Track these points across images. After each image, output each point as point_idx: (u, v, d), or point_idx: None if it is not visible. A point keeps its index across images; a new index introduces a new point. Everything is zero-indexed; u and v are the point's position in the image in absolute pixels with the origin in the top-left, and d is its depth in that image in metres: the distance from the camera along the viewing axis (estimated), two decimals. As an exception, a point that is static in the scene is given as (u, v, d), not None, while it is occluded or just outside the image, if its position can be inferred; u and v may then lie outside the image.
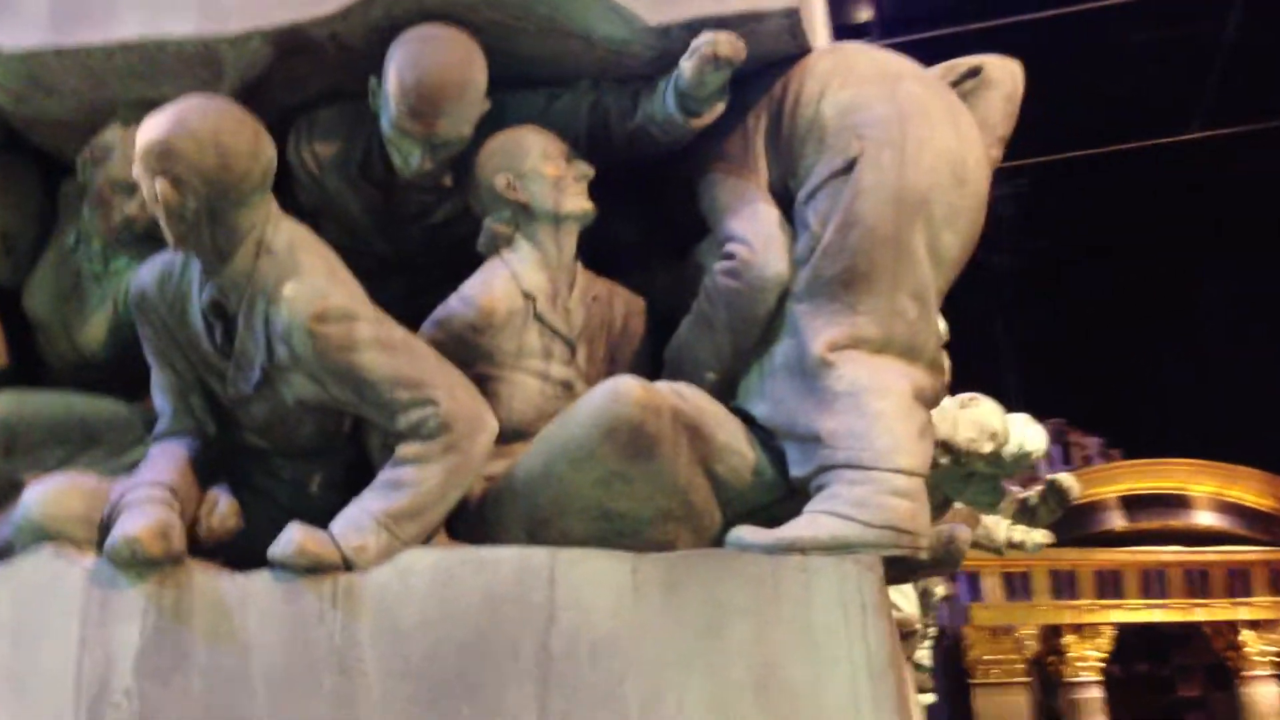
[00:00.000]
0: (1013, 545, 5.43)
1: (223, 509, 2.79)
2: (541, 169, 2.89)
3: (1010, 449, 5.44)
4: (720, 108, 2.85)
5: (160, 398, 2.92)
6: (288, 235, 2.75)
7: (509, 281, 2.86)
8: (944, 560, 2.79)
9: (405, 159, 2.91)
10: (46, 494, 2.75)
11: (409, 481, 2.64)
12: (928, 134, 2.72)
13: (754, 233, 2.78)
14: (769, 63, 2.91)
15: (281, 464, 2.93)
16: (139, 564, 2.59)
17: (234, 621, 2.57)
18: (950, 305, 2.90)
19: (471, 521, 2.76)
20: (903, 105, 2.75)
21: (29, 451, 3.02)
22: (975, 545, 5.29)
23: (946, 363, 2.87)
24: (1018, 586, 13.68)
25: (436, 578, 2.54)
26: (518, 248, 2.91)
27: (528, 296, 2.86)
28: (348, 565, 2.57)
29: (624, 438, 2.56)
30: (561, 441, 2.63)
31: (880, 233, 2.67)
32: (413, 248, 3.19)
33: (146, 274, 2.86)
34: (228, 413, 2.89)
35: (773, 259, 2.74)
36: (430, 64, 2.81)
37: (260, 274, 2.70)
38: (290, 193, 3.03)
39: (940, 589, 6.60)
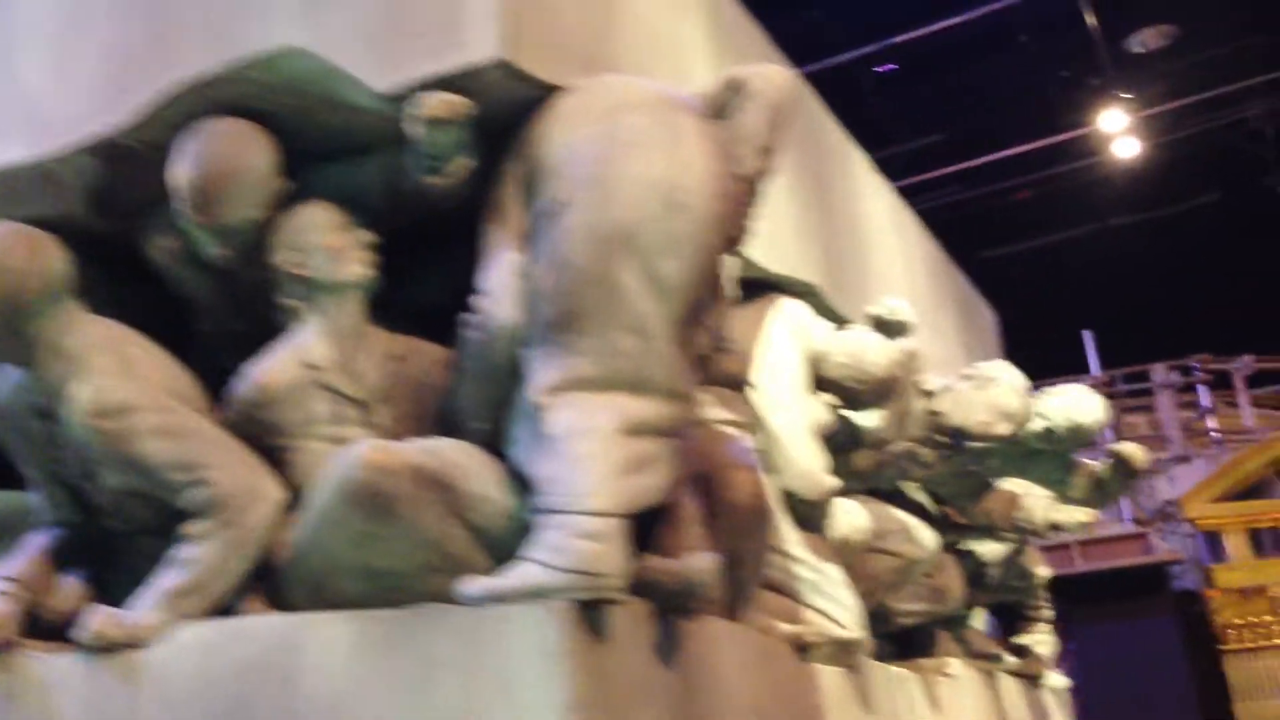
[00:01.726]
0: (1054, 527, 5.12)
1: (66, 592, 3.05)
2: (320, 242, 3.02)
3: (1061, 423, 5.16)
4: (465, 162, 2.89)
5: (34, 492, 3.22)
6: (84, 337, 2.99)
7: (291, 355, 3.00)
8: (680, 595, 2.69)
9: (203, 248, 3.10)
10: None
11: (189, 559, 2.83)
12: (632, 167, 2.68)
13: (492, 282, 2.82)
14: (524, 106, 2.93)
15: (144, 542, 3.16)
16: (-25, 656, 2.88)
17: (52, 701, 2.82)
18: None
19: (276, 586, 2.92)
20: (613, 140, 2.72)
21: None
22: (1017, 529, 5.06)
23: (687, 384, 2.77)
24: (1267, 542, 12.70)
25: (201, 650, 2.71)
26: (306, 320, 3.05)
27: (312, 367, 2.98)
28: (137, 643, 2.77)
29: (362, 500, 2.65)
30: (317, 507, 2.75)
31: (587, 272, 2.65)
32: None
33: (0, 384, 3.16)
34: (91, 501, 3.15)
35: (505, 308, 2.77)
36: (203, 158, 2.99)
37: (56, 377, 2.95)
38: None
39: (1040, 569, 6.26)
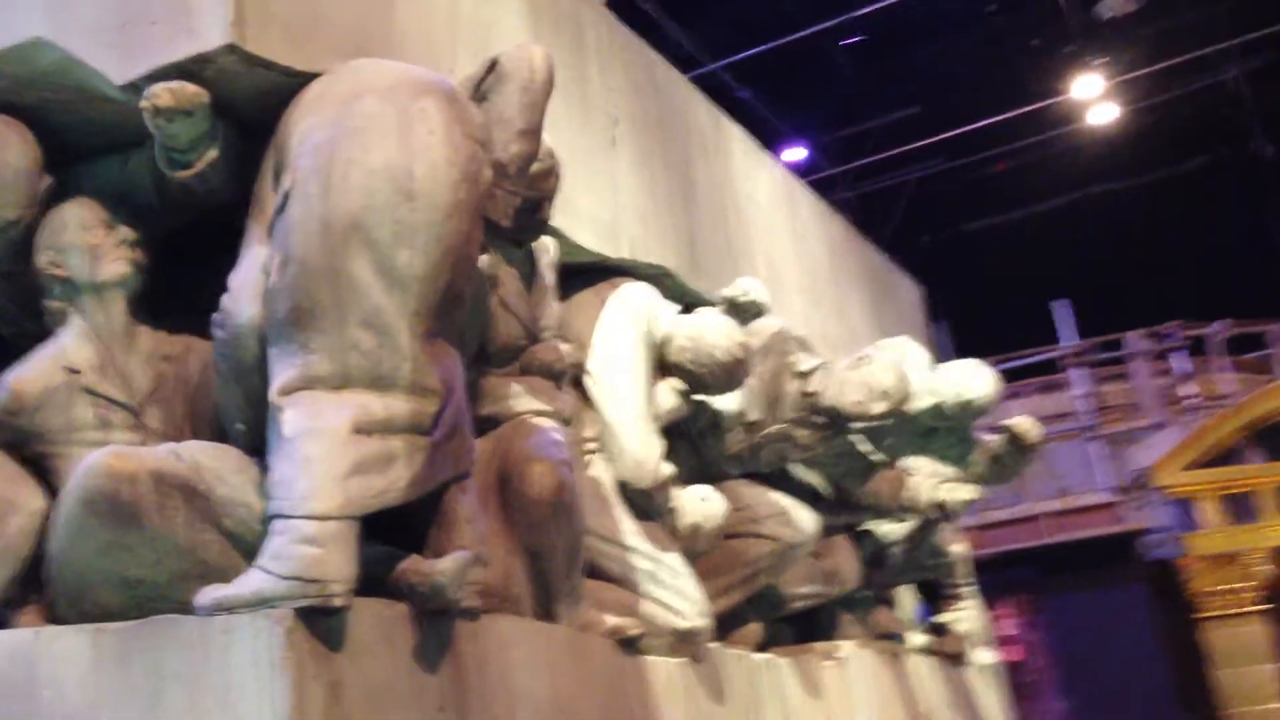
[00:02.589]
0: (939, 507, 5.01)
1: None
2: (78, 240, 2.93)
3: (950, 399, 5.06)
4: (211, 154, 2.80)
5: None
6: None
7: (50, 359, 2.91)
8: (430, 597, 2.59)
9: None
10: None
11: (-58, 574, 2.74)
12: (360, 154, 2.57)
13: (236, 280, 2.73)
14: (276, 93, 2.83)
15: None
16: None
17: None
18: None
19: (49, 600, 2.83)
20: (340, 128, 2.61)
21: None
22: (902, 509, 4.97)
23: (436, 379, 2.66)
24: (1241, 509, 12.55)
25: (-49, 666, 2.62)
26: (69, 322, 2.96)
27: (72, 370, 2.89)
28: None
29: (103, 508, 2.57)
30: (62, 520, 2.67)
31: (313, 266, 2.55)
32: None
33: None
34: None
35: (244, 305, 2.67)
36: None
37: None
38: None
39: (956, 546, 6.16)
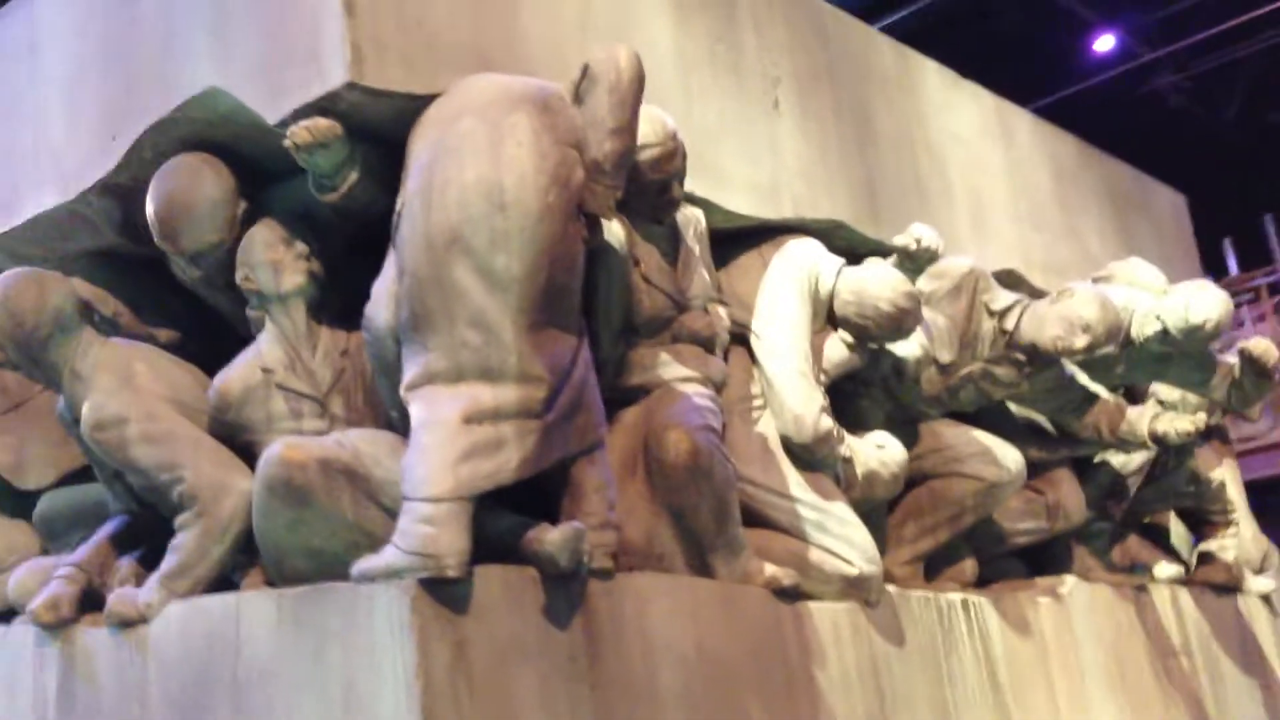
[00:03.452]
0: (1155, 439, 4.85)
1: (123, 572, 3.60)
2: (263, 257, 3.39)
3: (1174, 324, 4.92)
4: (352, 176, 3.17)
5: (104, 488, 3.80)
6: (95, 359, 3.51)
7: (249, 362, 3.39)
8: (545, 563, 2.87)
9: (182, 272, 3.54)
10: (18, 577, 3.75)
11: (176, 546, 3.30)
12: (455, 172, 2.87)
13: (376, 287, 3.10)
14: (408, 115, 3.17)
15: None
16: (46, 627, 3.48)
17: (95, 667, 3.38)
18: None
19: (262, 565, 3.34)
20: (440, 148, 2.92)
21: (59, 536, 4.05)
22: (1121, 442, 4.89)
23: (542, 367, 2.93)
24: None
25: (182, 623, 3.17)
26: (265, 328, 3.43)
27: (266, 370, 3.37)
28: (143, 619, 3.27)
29: (280, 491, 3.03)
30: (255, 501, 3.14)
31: (423, 276, 2.88)
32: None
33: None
34: None
35: (381, 310, 3.05)
36: (159, 195, 3.42)
37: (75, 396, 3.49)
38: None
39: (1218, 471, 5.91)
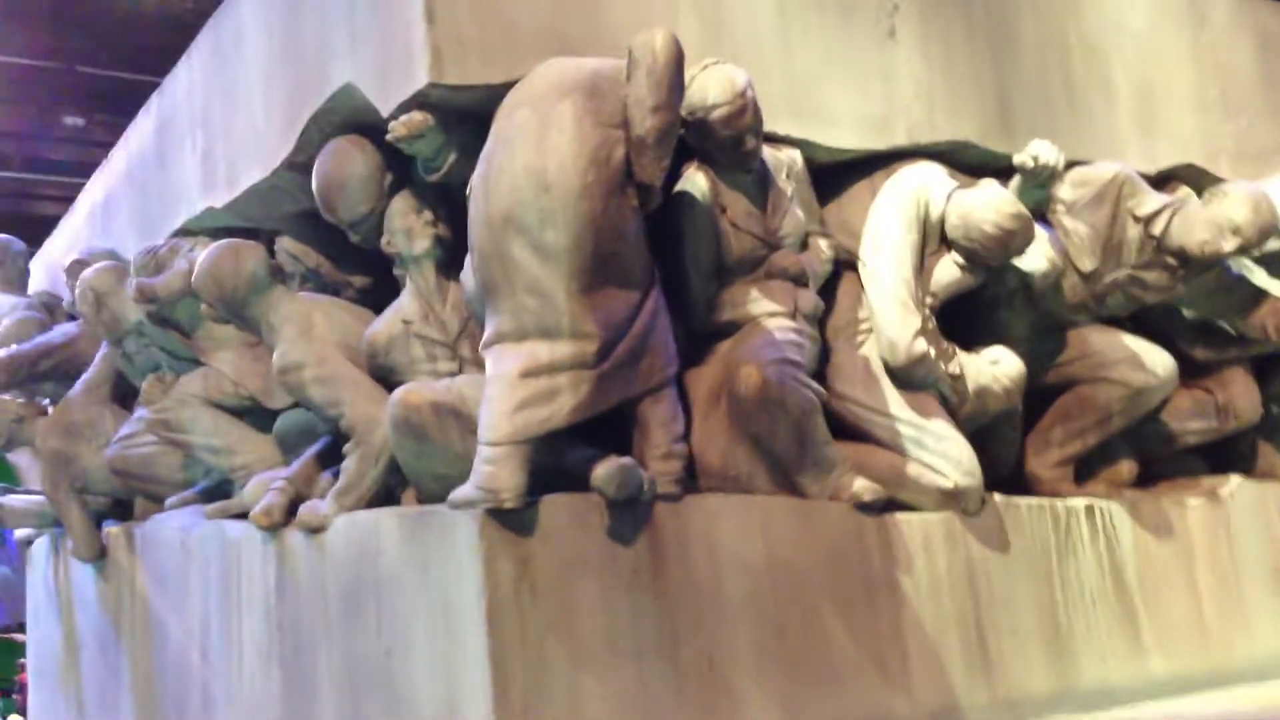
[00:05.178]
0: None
1: (323, 485, 4.39)
2: (400, 225, 3.99)
3: None
4: (452, 157, 3.69)
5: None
6: (283, 313, 4.25)
7: (393, 315, 4.02)
8: (603, 492, 3.36)
9: (350, 236, 4.20)
10: (250, 486, 4.63)
11: (344, 469, 4.03)
12: (505, 160, 3.33)
13: (467, 260, 3.62)
14: (492, 102, 3.65)
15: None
16: (263, 530, 4.33)
17: (297, 563, 4.20)
18: None
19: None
20: (497, 139, 3.37)
21: (291, 449, 4.91)
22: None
23: (593, 324, 3.37)
24: None
25: (345, 533, 3.90)
26: (406, 285, 4.05)
27: (406, 322, 3.99)
28: (322, 527, 4.04)
29: (402, 429, 3.66)
30: (389, 435, 3.79)
31: (486, 252, 3.38)
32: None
33: None
34: None
35: (468, 277, 3.58)
36: (319, 174, 4.08)
37: (270, 343, 4.26)
38: None
39: None
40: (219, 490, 5.23)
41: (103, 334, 5.63)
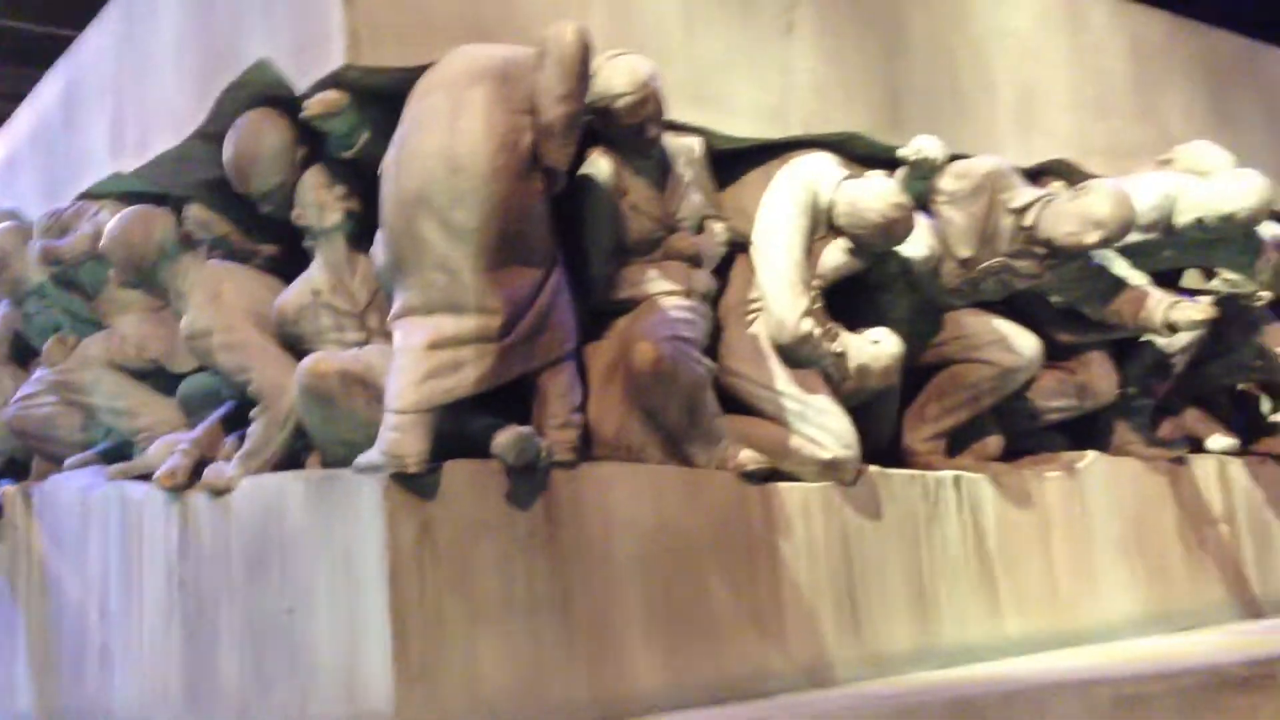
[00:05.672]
0: (1171, 327, 5.08)
1: (228, 449, 4.52)
2: (311, 198, 4.12)
3: (1209, 214, 5.16)
4: (365, 135, 3.84)
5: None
6: (192, 280, 4.37)
7: (302, 284, 4.16)
8: (503, 458, 3.57)
9: (259, 208, 4.31)
10: (155, 447, 4.73)
11: (250, 433, 4.16)
12: (418, 142, 3.50)
13: (377, 235, 3.78)
14: (406, 84, 3.81)
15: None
16: (166, 490, 4.44)
17: (200, 524, 4.32)
18: None
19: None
20: (411, 122, 3.54)
21: (194, 413, 5.01)
22: (1141, 328, 5.18)
23: (498, 300, 3.57)
24: None
25: (250, 495, 4.04)
26: (316, 257, 4.19)
27: (315, 292, 4.13)
28: (228, 489, 4.17)
29: (310, 395, 3.81)
30: (297, 401, 3.94)
31: (396, 229, 3.55)
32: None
33: None
34: None
35: (378, 250, 3.75)
36: (231, 146, 4.19)
37: (178, 309, 4.37)
38: None
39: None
40: (119, 452, 5.31)
41: (4, 294, 5.65)
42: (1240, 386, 6.45)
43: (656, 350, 3.96)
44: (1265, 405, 6.40)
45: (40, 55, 5.88)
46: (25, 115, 6.09)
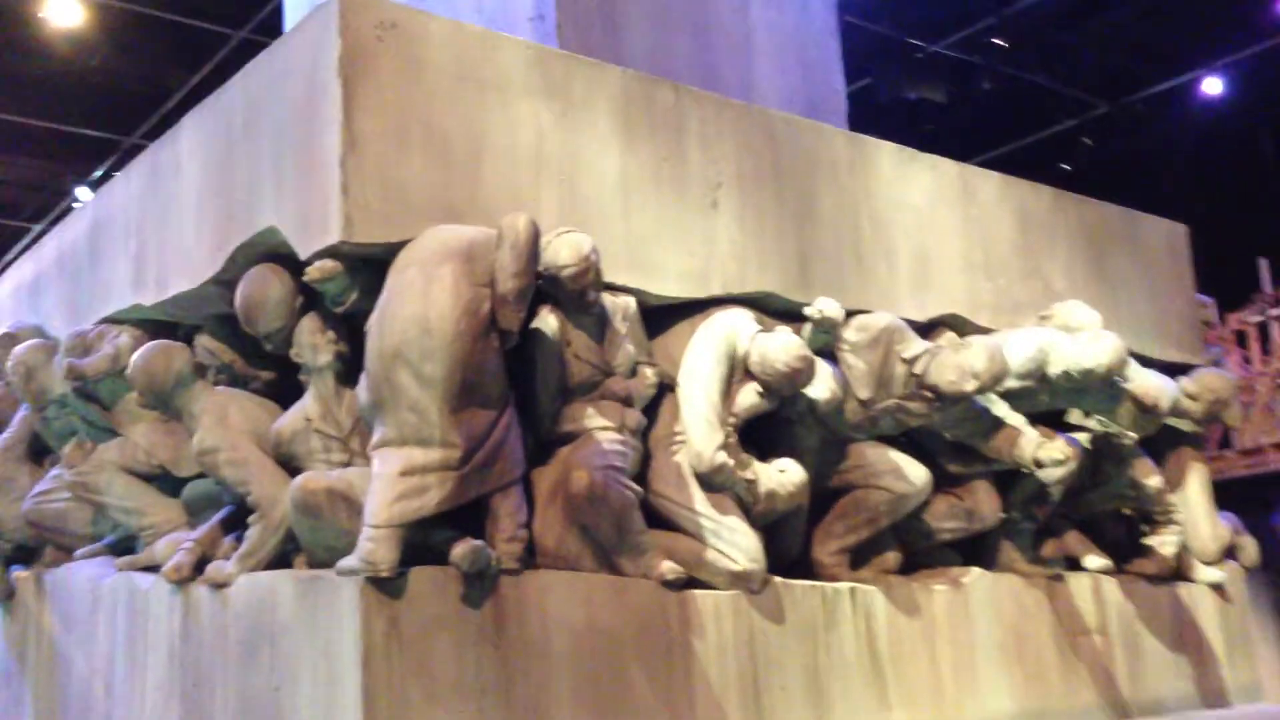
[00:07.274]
0: (1038, 464, 5.91)
1: (226, 548, 5.27)
2: (308, 340, 4.93)
3: (1073, 368, 6.01)
4: (354, 295, 4.67)
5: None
6: (203, 404, 5.16)
7: (297, 412, 4.96)
8: (459, 568, 4.34)
9: (264, 345, 5.12)
10: (161, 545, 5.49)
11: (248, 536, 4.93)
12: (397, 309, 4.33)
13: (361, 378, 4.60)
14: (392, 253, 4.65)
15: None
16: (172, 584, 5.18)
17: (201, 614, 5.06)
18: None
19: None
20: (391, 292, 4.39)
21: (197, 514, 5.77)
22: (1015, 463, 6.00)
23: (459, 436, 4.37)
24: None
25: (247, 589, 4.79)
26: (309, 388, 4.99)
27: (308, 419, 4.93)
28: (226, 583, 4.92)
29: (301, 508, 4.59)
30: (289, 512, 4.71)
31: (377, 377, 4.37)
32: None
33: None
34: None
35: (363, 393, 4.56)
36: (241, 294, 5.00)
37: (190, 429, 5.15)
38: None
39: (1153, 479, 6.84)
40: (125, 545, 6.06)
41: (28, 401, 6.42)
42: (1125, 511, 7.25)
43: (591, 477, 4.75)
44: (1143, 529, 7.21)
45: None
46: (52, 243, 6.92)
